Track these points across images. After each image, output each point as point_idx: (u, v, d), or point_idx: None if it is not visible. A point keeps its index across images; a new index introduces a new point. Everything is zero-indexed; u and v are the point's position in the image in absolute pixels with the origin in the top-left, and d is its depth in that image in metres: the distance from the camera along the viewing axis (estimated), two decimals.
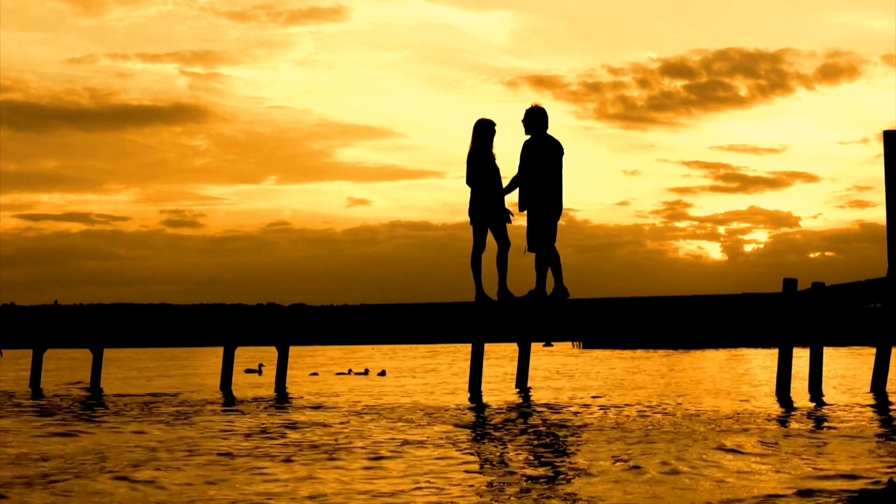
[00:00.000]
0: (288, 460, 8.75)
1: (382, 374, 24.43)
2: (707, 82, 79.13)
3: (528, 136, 15.63)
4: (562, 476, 7.70)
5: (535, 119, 15.60)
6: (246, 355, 32.95)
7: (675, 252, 75.04)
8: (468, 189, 15.82)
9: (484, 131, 15.71)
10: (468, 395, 15.97)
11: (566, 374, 24.03)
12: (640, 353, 38.75)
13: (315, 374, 24.76)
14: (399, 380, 22.13)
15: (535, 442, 9.96)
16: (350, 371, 25.25)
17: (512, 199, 15.83)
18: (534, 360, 20.56)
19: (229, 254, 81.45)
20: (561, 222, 15.64)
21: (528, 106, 15.66)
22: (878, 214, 14.84)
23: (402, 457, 8.84)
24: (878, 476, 7.38)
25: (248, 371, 25.21)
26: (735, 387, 17.99)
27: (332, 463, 8.55)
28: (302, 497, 6.96)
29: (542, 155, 15.46)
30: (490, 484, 7.47)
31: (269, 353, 39.87)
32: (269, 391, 17.99)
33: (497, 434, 10.67)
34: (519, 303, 15.46)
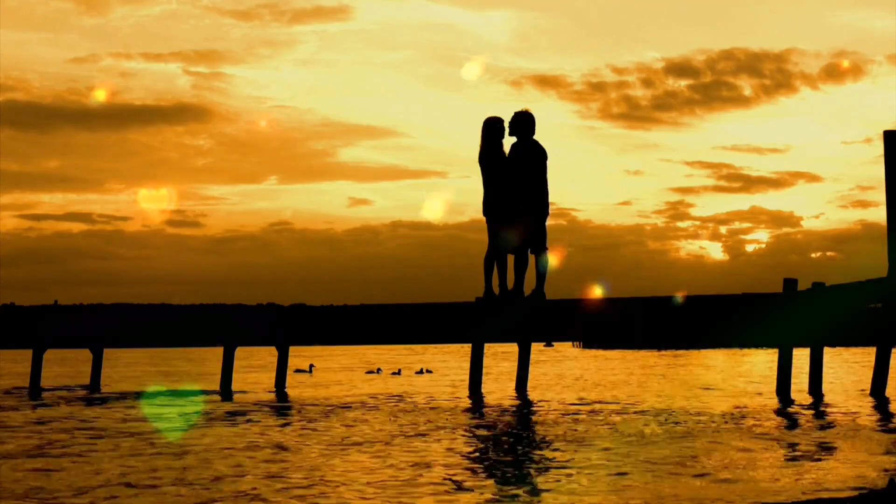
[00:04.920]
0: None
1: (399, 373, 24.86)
2: (711, 82, 79.26)
3: (514, 140, 15.72)
4: (557, 476, 7.69)
5: (522, 124, 15.64)
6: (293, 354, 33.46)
7: (677, 252, 75.14)
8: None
9: (493, 129, 15.72)
10: (468, 394, 15.96)
11: (565, 374, 24.02)
12: (640, 353, 38.74)
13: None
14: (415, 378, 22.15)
15: (531, 442, 9.96)
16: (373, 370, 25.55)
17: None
18: (534, 361, 20.56)
19: (230, 254, 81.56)
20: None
21: (519, 109, 15.76)
22: (881, 214, 14.81)
23: (398, 455, 8.83)
24: (878, 476, 7.38)
25: (299, 371, 25.43)
26: (735, 387, 17.98)
27: (330, 460, 8.55)
28: (303, 485, 6.97)
29: (529, 160, 15.51)
30: (483, 483, 7.47)
31: (321, 352, 40.29)
32: (315, 392, 17.98)
33: (493, 433, 10.67)
34: (523, 301, 15.47)
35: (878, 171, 14.27)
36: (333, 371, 27.01)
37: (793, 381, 14.63)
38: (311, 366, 26.69)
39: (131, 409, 14.44)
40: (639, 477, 7.54)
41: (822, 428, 10.74)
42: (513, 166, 15.53)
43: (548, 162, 15.70)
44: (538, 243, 15.50)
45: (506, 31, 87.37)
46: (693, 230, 79.45)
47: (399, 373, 24.93)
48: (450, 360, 33.45)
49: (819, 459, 8.29)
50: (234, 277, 73.33)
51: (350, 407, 14.43)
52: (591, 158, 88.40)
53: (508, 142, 15.83)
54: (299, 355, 31.92)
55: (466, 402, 14.89)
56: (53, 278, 73.46)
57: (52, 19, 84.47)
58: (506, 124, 15.72)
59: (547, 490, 7.10)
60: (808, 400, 14.08)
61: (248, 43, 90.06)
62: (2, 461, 8.85)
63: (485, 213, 15.71)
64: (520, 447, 9.59)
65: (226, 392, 17.63)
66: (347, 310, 18.66)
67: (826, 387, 15.85)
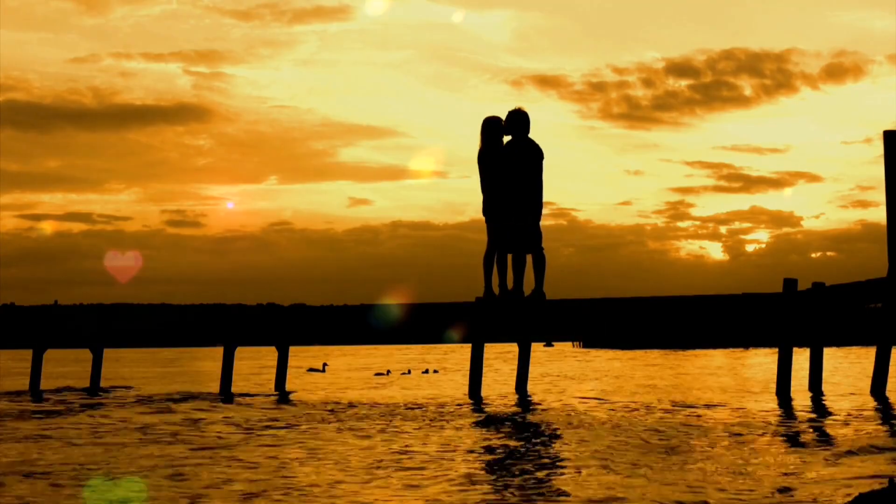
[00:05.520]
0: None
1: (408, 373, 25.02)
2: (711, 82, 79.27)
3: (509, 139, 15.68)
4: (555, 476, 7.69)
5: (517, 122, 15.62)
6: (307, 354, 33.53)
7: (677, 252, 75.19)
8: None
9: (492, 129, 15.69)
10: (468, 394, 15.95)
11: (566, 374, 24.03)
12: (640, 353, 38.75)
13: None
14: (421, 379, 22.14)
15: (530, 442, 9.95)
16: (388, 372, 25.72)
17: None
18: (534, 360, 20.57)
19: (230, 254, 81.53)
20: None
21: (512, 108, 15.73)
22: (881, 214, 14.82)
23: (396, 455, 8.83)
24: (878, 476, 7.37)
25: (312, 370, 25.54)
26: (734, 387, 17.98)
27: (327, 459, 8.55)
28: (295, 488, 6.97)
29: (524, 159, 15.48)
30: (479, 482, 7.46)
31: (332, 352, 40.43)
32: (325, 393, 17.99)
33: (491, 433, 10.67)
34: (522, 302, 15.47)
35: (879, 171, 14.27)
36: (343, 371, 27.00)
37: (793, 380, 14.63)
38: (325, 364, 26.76)
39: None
40: (637, 476, 7.54)
41: (822, 428, 10.73)
42: (507, 165, 15.50)
43: (544, 162, 15.67)
44: (533, 243, 15.48)
45: (506, 31, 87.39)
46: (693, 230, 79.50)
47: (409, 373, 25.03)
48: (461, 360, 33.46)
49: (818, 460, 8.29)
50: (234, 277, 73.35)
51: (350, 408, 14.44)
52: (592, 158, 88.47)
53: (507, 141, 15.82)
54: (316, 355, 32.22)
55: (466, 403, 14.89)
56: (53, 278, 73.45)
57: (52, 19, 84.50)
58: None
59: (544, 489, 7.10)
60: (808, 400, 14.08)
61: (248, 43, 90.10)
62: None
63: (484, 212, 15.69)
64: (518, 447, 9.58)
65: (226, 393, 17.62)
66: (347, 310, 18.65)
67: (826, 387, 15.85)
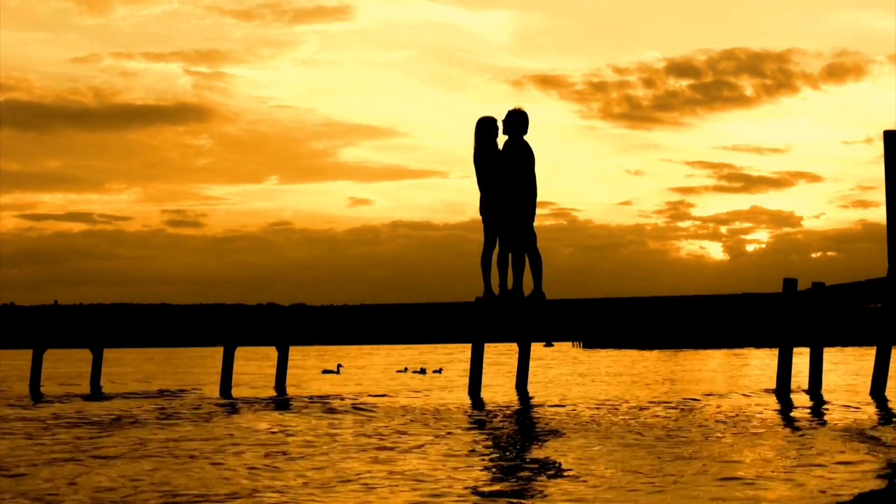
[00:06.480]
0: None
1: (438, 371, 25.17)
2: (712, 82, 79.33)
3: (507, 138, 15.64)
4: (556, 477, 7.69)
5: (516, 122, 15.58)
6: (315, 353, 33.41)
7: (678, 252, 75.24)
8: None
9: (487, 129, 15.66)
10: (468, 395, 15.96)
11: (566, 374, 24.02)
12: (639, 353, 38.74)
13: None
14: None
15: (529, 443, 9.95)
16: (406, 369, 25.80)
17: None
18: (534, 360, 20.56)
19: (230, 254, 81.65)
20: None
21: (512, 108, 15.69)
22: (881, 214, 14.83)
23: (395, 456, 8.83)
24: (877, 476, 7.37)
25: (326, 371, 25.53)
26: (733, 387, 17.97)
27: (324, 460, 8.55)
28: (291, 488, 6.97)
29: (520, 160, 15.46)
30: (479, 484, 7.46)
31: (346, 352, 40.41)
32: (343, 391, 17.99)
33: (490, 435, 10.67)
34: (523, 302, 15.47)
35: (879, 171, 14.27)
36: (357, 373, 26.96)
37: (792, 381, 14.63)
38: (339, 366, 26.72)
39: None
40: (635, 477, 7.54)
41: (820, 429, 10.73)
42: (504, 165, 15.49)
43: (536, 164, 15.64)
44: (528, 244, 15.44)
45: (506, 31, 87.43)
46: (693, 230, 79.56)
47: (420, 371, 25.09)
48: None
49: (818, 460, 8.29)
50: (234, 277, 73.46)
51: (352, 409, 14.44)
52: (592, 158, 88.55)
53: (502, 140, 15.79)
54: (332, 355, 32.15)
55: (466, 403, 14.89)
56: (53, 278, 73.55)
57: (53, 19, 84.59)
58: (500, 123, 15.70)
59: (544, 489, 7.10)
60: (808, 400, 14.08)
61: (249, 43, 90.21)
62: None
63: (482, 212, 15.68)
64: (518, 447, 9.58)
65: (226, 392, 17.62)
66: (347, 310, 18.65)
67: (826, 387, 15.85)
